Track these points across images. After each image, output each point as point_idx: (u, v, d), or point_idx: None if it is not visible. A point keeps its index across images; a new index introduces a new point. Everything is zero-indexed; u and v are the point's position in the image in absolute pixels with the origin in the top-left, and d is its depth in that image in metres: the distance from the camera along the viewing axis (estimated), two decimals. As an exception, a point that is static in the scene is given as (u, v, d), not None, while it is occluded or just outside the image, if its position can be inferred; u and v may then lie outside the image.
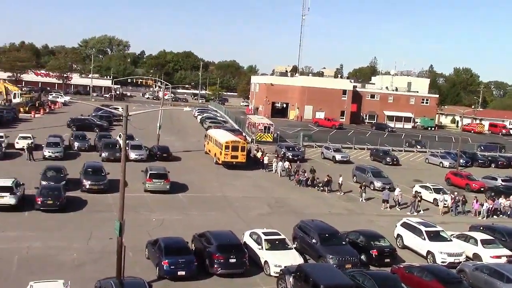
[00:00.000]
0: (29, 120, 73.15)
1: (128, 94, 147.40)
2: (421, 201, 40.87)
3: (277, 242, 26.30)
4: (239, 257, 24.04)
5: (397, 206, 40.54)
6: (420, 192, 42.17)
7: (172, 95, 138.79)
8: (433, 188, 43.51)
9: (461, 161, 61.69)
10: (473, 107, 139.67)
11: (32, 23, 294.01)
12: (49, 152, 46.65)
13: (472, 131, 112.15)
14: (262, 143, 65.86)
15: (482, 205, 40.33)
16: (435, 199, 42.27)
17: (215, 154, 51.98)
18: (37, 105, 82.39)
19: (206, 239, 25.39)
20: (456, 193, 42.19)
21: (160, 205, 35.60)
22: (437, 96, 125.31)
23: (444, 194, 42.18)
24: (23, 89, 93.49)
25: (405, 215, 36.49)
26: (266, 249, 25.60)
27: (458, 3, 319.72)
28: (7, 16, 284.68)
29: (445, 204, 40.76)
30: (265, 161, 51.76)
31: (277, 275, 23.75)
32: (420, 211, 39.77)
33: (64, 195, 32.57)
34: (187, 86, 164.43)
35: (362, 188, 42.17)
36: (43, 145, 48.33)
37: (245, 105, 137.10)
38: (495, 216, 40.71)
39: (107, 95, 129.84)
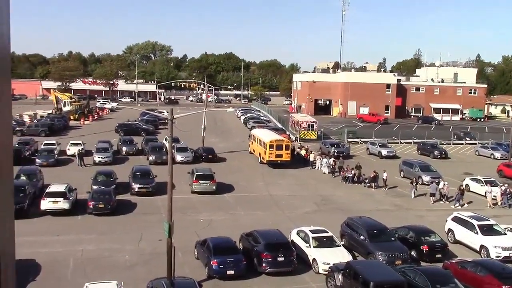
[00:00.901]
0: (79, 127, 75.51)
1: (173, 98, 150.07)
2: (464, 194, 39.59)
3: (324, 239, 26.18)
4: (287, 256, 24.06)
5: (443, 199, 39.54)
6: (462, 185, 40.85)
7: (215, 96, 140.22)
8: (484, 181, 42.17)
9: (514, 152, 59.52)
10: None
11: (79, 33, 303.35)
12: (99, 157, 48.01)
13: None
14: (306, 141, 65.64)
15: None
16: (486, 192, 40.97)
17: (259, 153, 52.17)
18: (86, 112, 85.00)
19: (253, 238, 25.54)
20: (507, 185, 40.76)
21: (207, 206, 36.04)
22: (486, 86, 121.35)
23: (493, 186, 40.81)
24: (75, 97, 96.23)
25: (456, 209, 35.59)
26: (314, 247, 25.52)
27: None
28: (56, 27, 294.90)
29: (494, 197, 39.50)
30: (311, 159, 51.62)
31: (326, 272, 23.64)
32: (463, 204, 38.67)
33: (114, 199, 33.48)
34: (229, 87, 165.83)
35: (414, 184, 41.24)
36: (93, 151, 49.79)
37: (288, 104, 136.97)
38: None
39: (156, 101, 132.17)
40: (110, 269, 24.17)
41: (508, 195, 39.12)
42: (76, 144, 51.84)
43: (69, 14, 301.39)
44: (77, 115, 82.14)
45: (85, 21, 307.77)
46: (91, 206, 32.28)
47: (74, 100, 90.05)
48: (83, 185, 37.38)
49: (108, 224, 30.90)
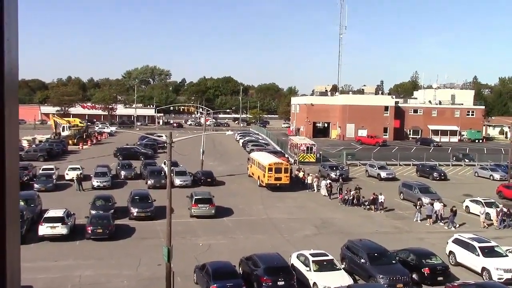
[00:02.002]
0: (77, 151, 75.54)
1: (171, 121, 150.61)
2: (456, 215, 39.40)
3: (325, 263, 25.95)
4: (287, 280, 23.83)
5: (440, 221, 39.34)
6: (455, 206, 40.66)
7: (214, 120, 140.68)
8: (484, 202, 42.02)
9: (513, 173, 59.50)
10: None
11: (78, 59, 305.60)
12: (97, 182, 47.90)
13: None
14: (305, 163, 65.63)
15: None
16: (487, 214, 40.79)
17: (258, 176, 52.10)
18: (84, 136, 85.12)
19: (253, 262, 25.32)
20: (501, 205, 40.61)
21: (206, 229, 35.82)
22: (483, 107, 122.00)
23: (492, 207, 40.68)
24: (83, 122, 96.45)
25: (450, 231, 35.47)
26: (314, 271, 25.29)
27: (497, 12, 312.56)
28: (55, 53, 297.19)
29: (487, 217, 39.33)
30: (308, 181, 51.60)
31: (327, 296, 23.39)
32: (456, 225, 38.46)
33: (113, 223, 33.28)
34: (228, 110, 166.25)
35: (417, 208, 41.03)
36: (91, 175, 49.69)
37: (287, 127, 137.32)
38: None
39: (155, 125, 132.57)
40: (108, 295, 23.90)
41: (504, 216, 38.94)
42: (74, 169, 51.77)
43: (68, 40, 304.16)
44: (75, 140, 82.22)
45: (85, 47, 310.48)
46: (90, 231, 32.08)
47: (82, 125, 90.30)
48: (81, 210, 37.21)
49: (106, 249, 30.66)
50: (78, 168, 52.11)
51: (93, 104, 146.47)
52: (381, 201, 43.24)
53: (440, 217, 39.42)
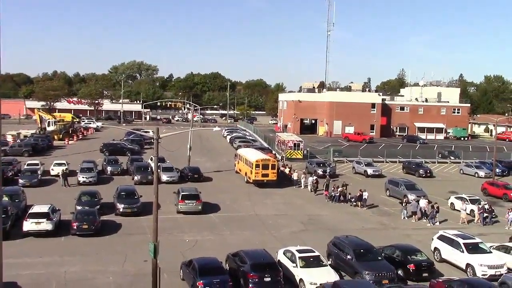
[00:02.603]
0: (63, 147, 74.89)
1: (158, 117, 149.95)
2: (439, 212, 39.73)
3: (311, 259, 26.02)
4: (273, 276, 23.85)
5: (424, 217, 39.63)
6: (436, 203, 41.00)
7: (201, 116, 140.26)
8: (469, 199, 42.41)
9: (497, 170, 60.21)
10: (506, 114, 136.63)
11: (64, 53, 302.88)
12: (83, 177, 47.54)
13: (507, 139, 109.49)
14: (292, 160, 65.75)
15: (508, 213, 38.99)
16: (472, 210, 41.20)
17: (245, 173, 52.09)
18: (70, 132, 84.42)
19: (240, 258, 25.31)
20: (482, 202, 40.98)
21: (193, 226, 35.74)
22: (469, 105, 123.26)
23: (467, 203, 41.11)
24: (77, 118, 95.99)
25: (434, 227, 35.78)
26: (300, 267, 25.35)
27: (483, 12, 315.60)
28: (41, 47, 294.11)
29: (472, 214, 39.74)
30: (294, 177, 51.73)
31: (313, 293, 23.46)
32: (436, 222, 38.81)
33: (99, 219, 33.04)
34: (215, 106, 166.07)
35: (404, 205, 41.32)
36: (77, 171, 49.32)
37: (274, 123, 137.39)
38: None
39: (142, 120, 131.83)
40: (93, 291, 23.74)
41: (486, 213, 39.34)
42: (60, 164, 51.30)
43: (54, 34, 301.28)
44: (61, 135, 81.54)
45: (71, 41, 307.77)
46: (75, 227, 31.82)
47: (75, 120, 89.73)
48: (67, 205, 36.92)
49: (92, 245, 30.45)
50: (64, 163, 51.64)
51: (79, 99, 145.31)
52: (365, 198, 43.39)
53: (425, 214, 39.70)
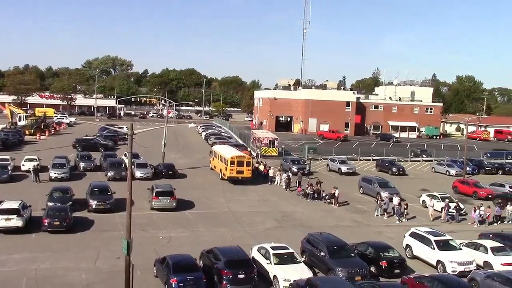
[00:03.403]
0: (34, 142, 73.52)
1: (132, 113, 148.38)
2: (407, 209, 40.37)
3: (285, 256, 26.12)
4: (247, 273, 23.86)
5: (396, 215, 40.15)
6: (405, 200, 41.66)
7: (176, 112, 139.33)
8: (440, 197, 43.15)
9: (468, 168, 61.43)
10: (477, 114, 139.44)
11: (36, 46, 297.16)
12: (55, 173, 46.79)
13: (478, 139, 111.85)
14: (267, 157, 65.88)
15: (475, 211, 39.80)
16: (442, 208, 41.91)
17: (220, 170, 52.00)
18: (42, 127, 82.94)
19: (214, 255, 25.26)
20: (446, 200, 41.67)
21: (167, 222, 35.52)
22: (441, 104, 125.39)
23: (438, 201, 41.84)
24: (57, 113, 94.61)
25: (414, 225, 36.23)
26: (274, 264, 25.43)
27: (458, 12, 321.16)
28: (12, 40, 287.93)
29: (439, 210, 40.53)
30: (270, 174, 51.90)
31: (287, 289, 23.57)
32: (404, 219, 39.38)
33: (71, 216, 32.55)
34: (191, 103, 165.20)
35: (378, 203, 41.78)
36: (49, 167, 48.50)
37: (249, 120, 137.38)
38: (510, 222, 40.25)
39: (115, 115, 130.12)
40: (65, 289, 23.40)
41: (451, 209, 40.10)
42: (31, 160, 50.39)
43: (26, 26, 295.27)
44: (32, 130, 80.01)
45: (43, 34, 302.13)
46: (46, 224, 31.29)
47: (55, 115, 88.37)
48: (38, 201, 36.31)
49: (64, 242, 29.99)
50: (35, 159, 50.73)
51: (52, 94, 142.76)
52: (336, 195, 43.59)
53: (397, 211, 40.24)
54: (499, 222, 40.41)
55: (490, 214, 40.19)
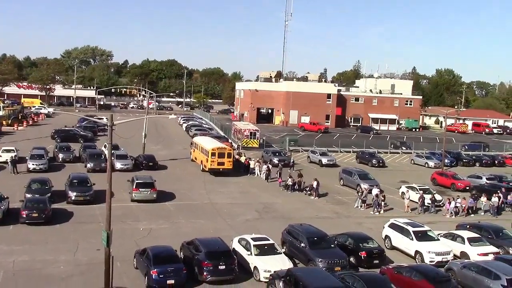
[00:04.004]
0: (12, 133, 72.38)
1: (112, 104, 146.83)
2: (384, 200, 40.72)
3: (266, 247, 26.22)
4: (228, 264, 23.92)
5: (375, 207, 40.49)
6: (383, 192, 42.10)
7: (157, 103, 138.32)
8: (419, 189, 43.63)
9: (446, 161, 62.26)
10: (456, 107, 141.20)
11: (14, 36, 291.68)
12: (33, 164, 46.15)
13: (456, 131, 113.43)
14: (248, 149, 65.88)
15: (450, 203, 40.36)
16: (405, 198, 42.47)
17: (201, 161, 51.86)
18: (20, 117, 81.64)
19: (194, 246, 25.24)
20: (421, 192, 42.17)
21: (147, 214, 35.35)
22: (421, 97, 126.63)
23: (417, 192, 42.34)
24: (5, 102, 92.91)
25: (392, 217, 36.64)
26: (255, 255, 25.52)
27: (438, 6, 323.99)
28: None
29: (416, 201, 41.05)
30: (251, 166, 51.93)
31: (267, 280, 23.68)
32: (380, 211, 39.80)
33: (49, 208, 32.17)
34: (171, 94, 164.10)
35: (359, 194, 42.06)
36: (27, 158, 47.84)
37: (230, 112, 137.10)
38: (484, 214, 40.88)
39: (95, 107, 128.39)
40: (44, 281, 23.19)
41: (424, 201, 40.66)
42: (8, 151, 49.59)
43: (2, 15, 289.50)
44: (10, 121, 78.67)
45: (21, 22, 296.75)
46: (24, 216, 30.88)
47: (42, 105, 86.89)
48: (16, 193, 35.84)
49: (42, 234, 29.67)
50: (13, 150, 49.97)
51: (30, 84, 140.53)
52: (314, 187, 43.77)
53: (375, 202, 40.60)
54: (472, 214, 40.92)
55: (465, 206, 40.83)
